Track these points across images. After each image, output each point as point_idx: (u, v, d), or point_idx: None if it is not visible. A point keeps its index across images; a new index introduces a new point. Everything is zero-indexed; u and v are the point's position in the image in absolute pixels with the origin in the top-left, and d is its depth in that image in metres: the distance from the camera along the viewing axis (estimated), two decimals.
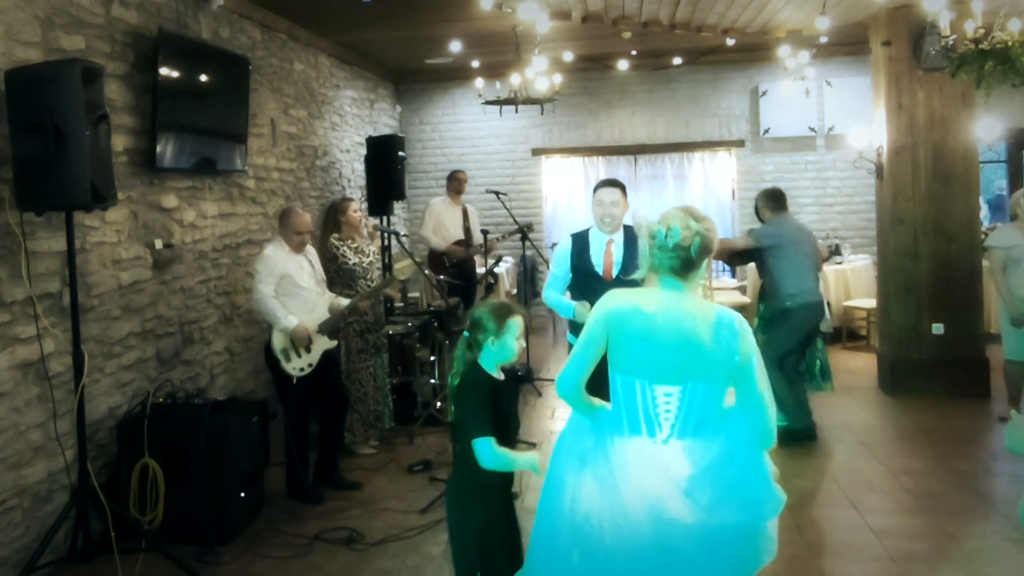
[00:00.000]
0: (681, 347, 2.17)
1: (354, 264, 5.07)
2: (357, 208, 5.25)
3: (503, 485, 2.63)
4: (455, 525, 2.64)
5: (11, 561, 3.48)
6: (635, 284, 3.56)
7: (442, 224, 7.33)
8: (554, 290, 3.91)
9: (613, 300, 2.29)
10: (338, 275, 5.02)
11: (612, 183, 3.83)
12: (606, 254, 3.76)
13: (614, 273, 3.73)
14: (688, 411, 2.19)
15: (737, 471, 2.16)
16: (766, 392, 2.19)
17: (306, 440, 4.66)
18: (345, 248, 5.08)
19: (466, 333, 2.65)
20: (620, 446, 2.24)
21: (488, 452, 2.49)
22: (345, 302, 4.72)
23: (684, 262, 2.23)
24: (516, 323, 2.61)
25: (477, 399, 2.54)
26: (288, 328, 4.37)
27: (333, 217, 5.17)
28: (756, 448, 2.20)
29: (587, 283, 3.70)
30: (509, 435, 2.62)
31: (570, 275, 3.85)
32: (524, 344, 2.71)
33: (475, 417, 2.51)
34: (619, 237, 3.80)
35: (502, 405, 2.60)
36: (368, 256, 5.23)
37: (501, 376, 2.65)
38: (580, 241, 3.84)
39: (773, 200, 5.35)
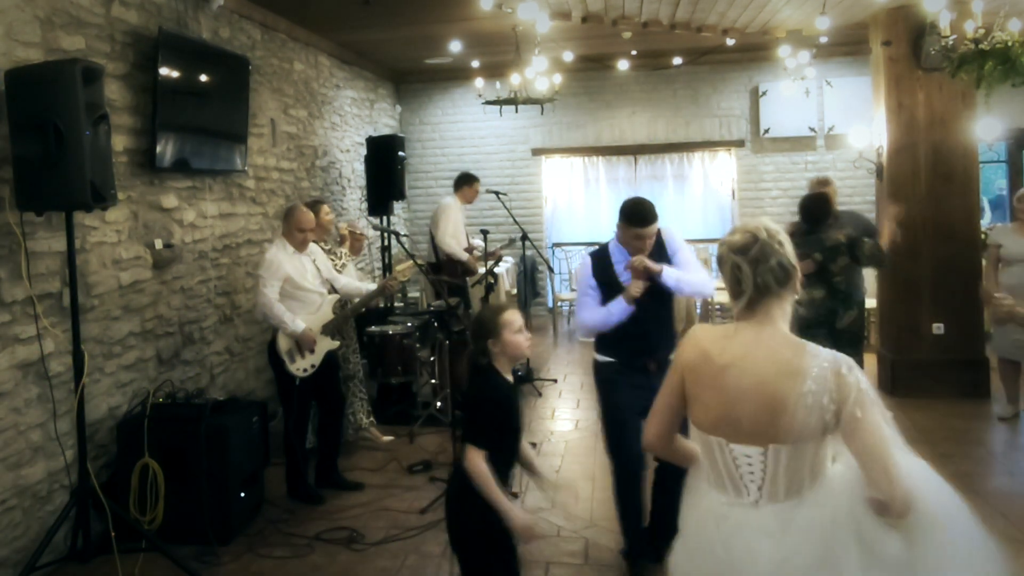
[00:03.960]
0: (758, 406, 1.88)
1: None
2: (329, 212, 5.27)
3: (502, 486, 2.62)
4: (456, 520, 2.63)
5: (11, 561, 3.48)
6: (667, 292, 3.48)
7: (457, 228, 7.13)
8: (594, 306, 3.54)
9: (688, 346, 2.06)
10: None
11: (651, 217, 3.44)
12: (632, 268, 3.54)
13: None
14: (775, 476, 1.90)
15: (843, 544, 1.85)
16: (891, 458, 1.81)
17: (305, 440, 4.67)
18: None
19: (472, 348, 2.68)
20: (707, 501, 2.05)
21: (477, 465, 2.50)
22: (362, 285, 4.86)
23: (784, 274, 1.95)
24: (508, 318, 2.65)
25: (492, 407, 2.59)
26: (296, 333, 4.38)
27: None
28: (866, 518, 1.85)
29: (616, 295, 3.49)
30: (518, 440, 2.68)
31: (599, 291, 3.55)
32: (528, 335, 2.72)
33: (486, 424, 2.55)
34: None
35: (514, 411, 2.66)
36: (341, 259, 5.25)
37: (511, 379, 2.68)
38: (600, 262, 3.58)
39: None
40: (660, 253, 3.53)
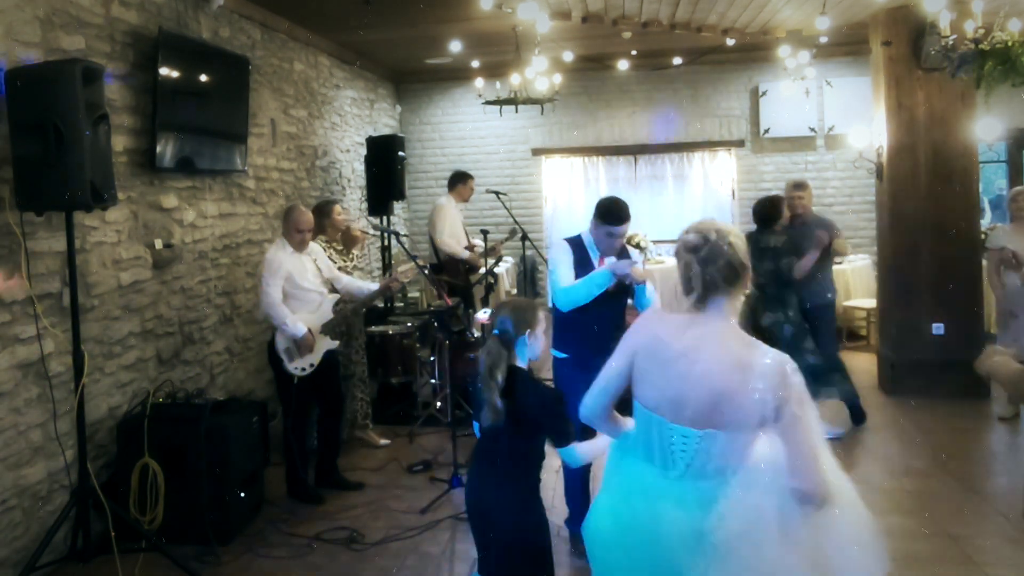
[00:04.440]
0: (704, 393, 2.00)
1: (339, 268, 5.08)
2: (341, 211, 5.27)
3: None
4: (533, 526, 2.62)
5: (11, 561, 3.48)
6: (623, 294, 3.60)
7: (455, 227, 7.16)
8: (572, 277, 3.61)
9: (641, 330, 2.18)
10: None
11: (625, 217, 3.60)
12: (601, 263, 3.69)
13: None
14: (706, 456, 2.04)
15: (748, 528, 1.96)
16: (819, 454, 1.95)
17: (305, 439, 4.67)
18: (331, 252, 5.10)
19: (496, 332, 2.63)
20: (635, 470, 2.19)
21: (574, 453, 2.59)
22: (363, 285, 4.89)
23: (732, 273, 2.06)
24: (543, 315, 2.70)
25: (560, 403, 2.59)
26: (297, 336, 4.39)
27: (318, 219, 5.17)
28: (788, 508, 1.96)
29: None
30: None
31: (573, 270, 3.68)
32: (545, 340, 2.77)
33: (565, 421, 2.55)
34: None
35: None
36: (352, 260, 5.25)
37: None
38: (578, 247, 3.72)
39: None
40: (623, 257, 3.68)
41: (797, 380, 1.96)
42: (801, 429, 1.95)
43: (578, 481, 3.79)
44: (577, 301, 3.55)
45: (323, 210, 5.20)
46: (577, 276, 3.60)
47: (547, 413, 2.55)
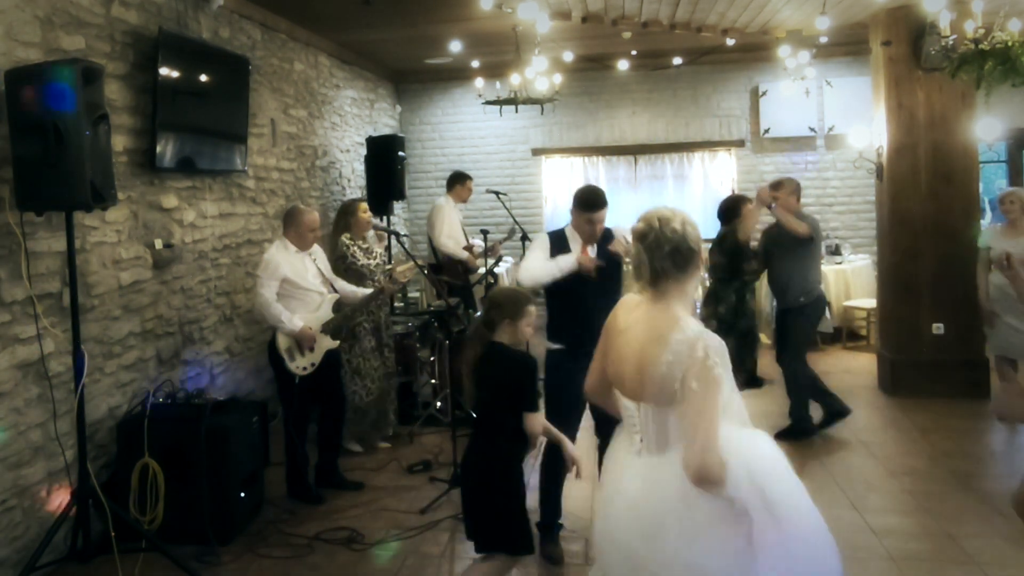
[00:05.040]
0: (633, 368, 2.16)
1: (362, 265, 5.09)
2: (366, 209, 5.29)
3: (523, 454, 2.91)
4: (504, 490, 2.78)
5: (11, 561, 3.48)
6: (614, 282, 3.69)
7: (453, 228, 7.18)
8: (543, 258, 3.78)
9: (612, 311, 2.36)
10: (346, 275, 5.04)
11: (601, 203, 3.75)
12: (583, 252, 3.79)
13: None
14: (649, 431, 2.17)
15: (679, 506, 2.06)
16: (702, 431, 1.95)
17: (305, 439, 4.67)
18: (355, 248, 5.12)
19: (481, 317, 2.84)
20: (618, 446, 2.35)
21: (540, 423, 2.85)
22: (359, 289, 4.88)
23: (679, 259, 2.15)
24: (533, 309, 2.85)
25: (529, 368, 2.78)
26: (294, 331, 4.38)
27: (344, 218, 5.24)
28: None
29: (568, 280, 3.75)
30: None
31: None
32: (532, 333, 2.91)
33: (532, 385, 2.75)
34: None
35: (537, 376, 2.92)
36: (375, 258, 5.26)
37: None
38: (558, 239, 3.86)
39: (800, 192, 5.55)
40: (606, 244, 3.79)
41: (702, 355, 1.98)
42: (693, 404, 1.98)
43: (556, 480, 3.88)
44: (536, 278, 3.74)
45: (348, 208, 5.26)
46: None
47: (515, 376, 2.71)
